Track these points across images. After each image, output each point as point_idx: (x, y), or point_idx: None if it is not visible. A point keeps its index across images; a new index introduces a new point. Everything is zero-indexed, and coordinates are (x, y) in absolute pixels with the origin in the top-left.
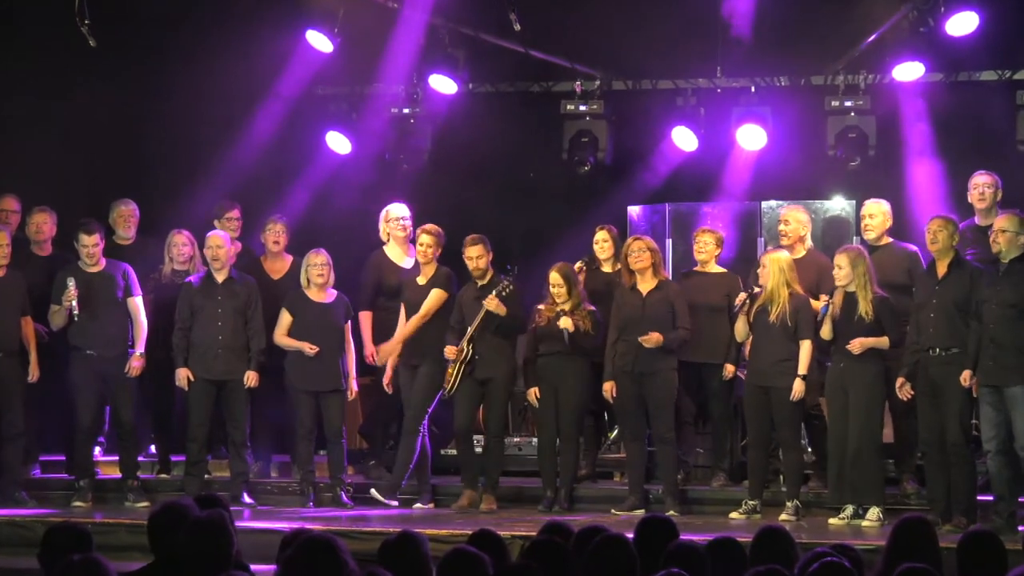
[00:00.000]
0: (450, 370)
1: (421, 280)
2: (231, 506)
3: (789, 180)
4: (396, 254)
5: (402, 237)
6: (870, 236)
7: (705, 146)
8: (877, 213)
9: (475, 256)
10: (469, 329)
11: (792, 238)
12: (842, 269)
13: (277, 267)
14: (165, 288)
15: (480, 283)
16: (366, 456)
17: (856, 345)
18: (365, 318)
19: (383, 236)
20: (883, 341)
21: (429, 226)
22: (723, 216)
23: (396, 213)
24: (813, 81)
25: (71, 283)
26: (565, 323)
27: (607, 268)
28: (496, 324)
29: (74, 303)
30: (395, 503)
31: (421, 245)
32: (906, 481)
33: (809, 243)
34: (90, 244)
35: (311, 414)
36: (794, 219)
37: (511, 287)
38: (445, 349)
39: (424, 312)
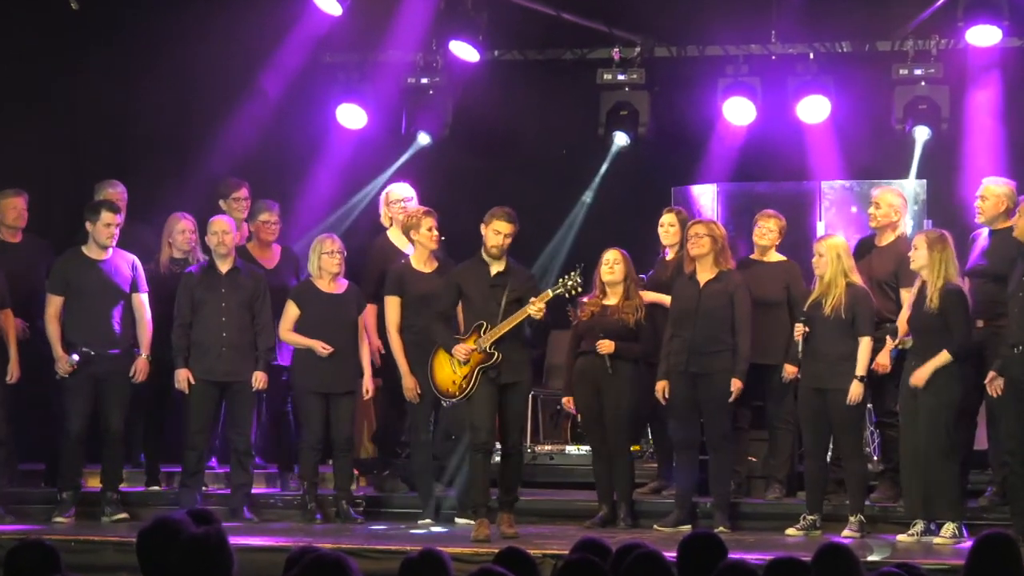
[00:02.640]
0: (461, 370)
1: (425, 269)
2: (229, 522)
3: (852, 157)
4: (401, 240)
5: (404, 220)
6: (979, 219)
7: (759, 119)
8: (989, 195)
9: (506, 233)
10: (497, 328)
11: (882, 222)
12: (918, 250)
13: (268, 255)
14: (163, 279)
15: (496, 269)
16: (379, 466)
17: (918, 379)
18: (369, 311)
19: (384, 220)
20: (941, 359)
21: (426, 207)
22: (779, 197)
23: (398, 194)
24: (879, 47)
25: (76, 358)
26: (605, 347)
27: (672, 256)
28: (527, 324)
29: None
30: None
31: (430, 230)
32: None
33: (903, 229)
34: (113, 223)
35: (320, 419)
36: (885, 203)
37: (580, 288)
38: (455, 348)
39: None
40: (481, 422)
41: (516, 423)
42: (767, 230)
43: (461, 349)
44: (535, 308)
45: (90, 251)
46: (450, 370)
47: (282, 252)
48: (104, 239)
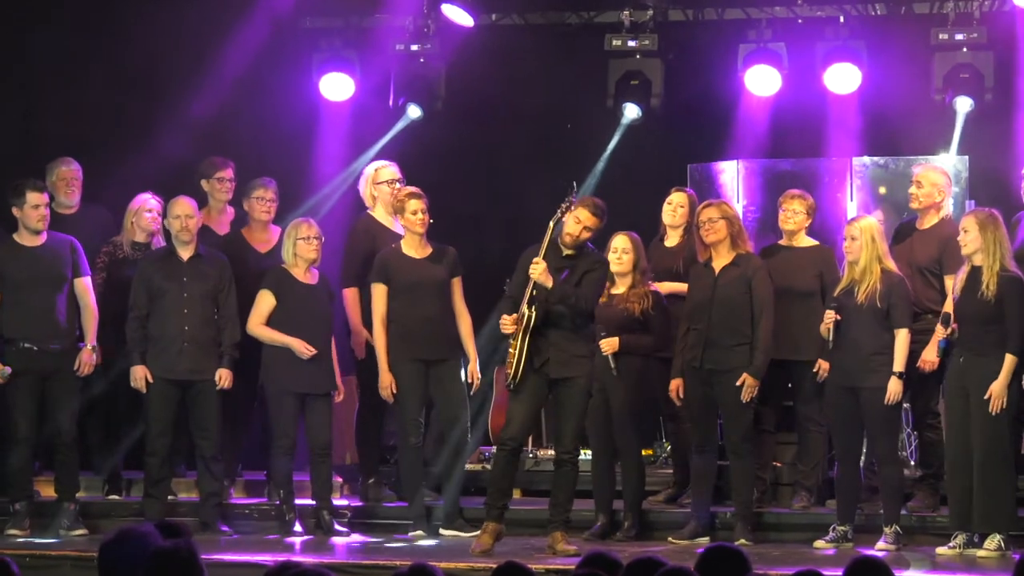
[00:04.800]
0: (512, 348)
1: (416, 255)
2: (200, 534)
3: (886, 131)
4: (387, 219)
5: (392, 202)
6: None
7: (784, 90)
8: None
9: (587, 225)
10: (526, 292)
11: (925, 203)
12: (968, 233)
13: (264, 238)
14: (122, 265)
15: (567, 252)
16: (363, 473)
17: (998, 396)
18: (352, 296)
19: (367, 200)
20: (1010, 365)
21: (414, 188)
22: (805, 175)
23: (387, 175)
24: (916, 9)
25: (8, 371)
26: (608, 346)
27: (673, 240)
28: (558, 296)
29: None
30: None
31: (415, 213)
32: None
33: (947, 211)
34: (41, 204)
35: (295, 422)
36: (929, 182)
37: (571, 209)
38: (501, 320)
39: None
40: (513, 415)
41: (569, 425)
42: (792, 212)
43: (504, 320)
44: (532, 267)
45: (22, 238)
46: (511, 351)
47: (281, 235)
48: (35, 223)
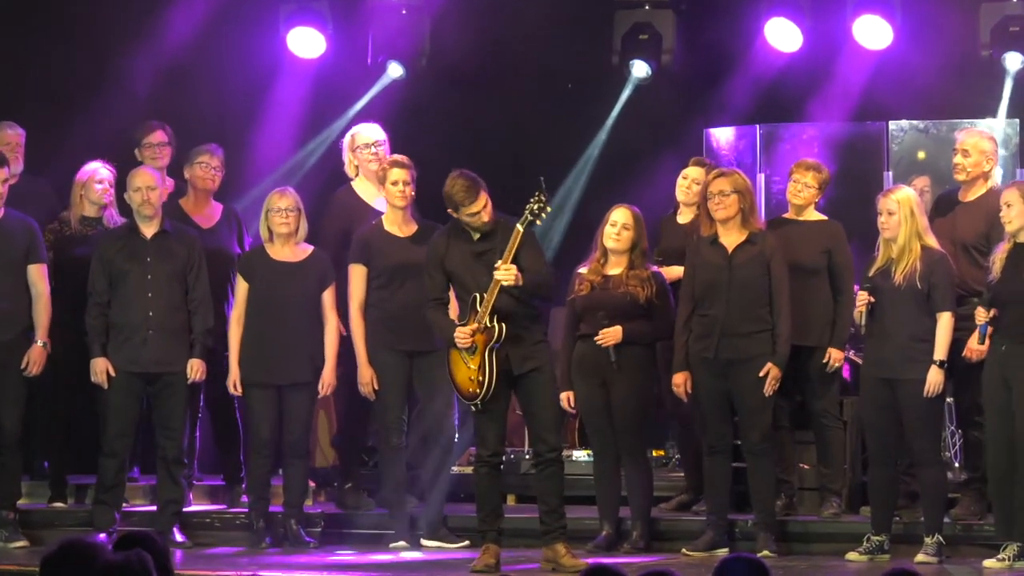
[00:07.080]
0: (473, 361)
1: (400, 232)
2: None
3: (926, 92)
4: (369, 192)
5: (377, 170)
6: None
7: (810, 45)
8: None
9: (479, 209)
10: (487, 296)
11: (973, 174)
12: (1012, 207)
13: (205, 212)
14: (71, 243)
15: (477, 235)
16: (339, 477)
17: None
18: None
19: (349, 170)
20: None
21: (399, 156)
22: (835, 141)
23: (366, 137)
24: None
25: None
26: (610, 337)
27: (686, 217)
28: (534, 286)
29: None
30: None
31: (395, 184)
32: None
33: (994, 181)
34: (0, 179)
35: (269, 417)
36: (976, 149)
37: (547, 209)
38: (455, 334)
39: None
40: (486, 429)
41: (545, 419)
42: (803, 186)
43: (461, 333)
44: (501, 273)
45: None
46: (464, 366)
47: (223, 210)
48: None
